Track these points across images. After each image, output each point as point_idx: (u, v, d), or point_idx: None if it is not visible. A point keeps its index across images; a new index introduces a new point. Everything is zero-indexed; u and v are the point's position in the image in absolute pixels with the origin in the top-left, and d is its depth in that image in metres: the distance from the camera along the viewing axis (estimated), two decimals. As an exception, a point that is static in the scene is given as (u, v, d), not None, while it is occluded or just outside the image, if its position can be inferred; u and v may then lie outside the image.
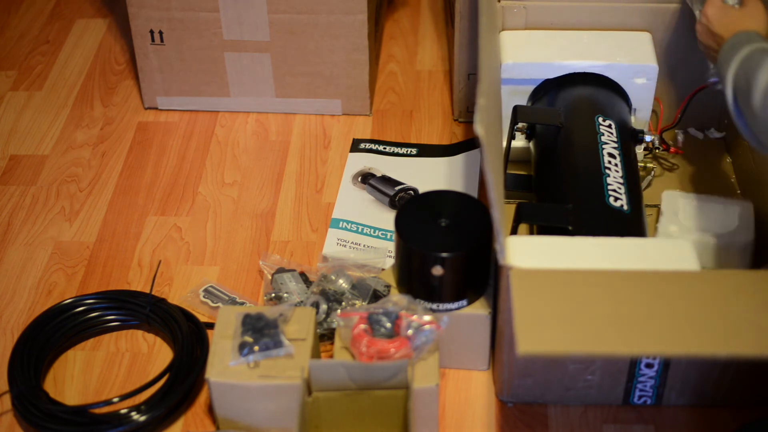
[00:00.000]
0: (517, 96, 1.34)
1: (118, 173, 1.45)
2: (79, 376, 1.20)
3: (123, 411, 1.12)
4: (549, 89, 1.31)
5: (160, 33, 1.47)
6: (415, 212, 1.13)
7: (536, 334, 0.92)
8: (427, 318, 1.07)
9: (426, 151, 1.46)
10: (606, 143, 1.21)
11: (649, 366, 1.09)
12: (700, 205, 1.27)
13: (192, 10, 1.44)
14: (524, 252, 1.04)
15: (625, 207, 1.16)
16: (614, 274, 0.99)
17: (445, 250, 1.08)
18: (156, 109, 1.55)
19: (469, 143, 1.47)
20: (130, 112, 1.55)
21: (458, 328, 1.13)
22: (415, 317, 1.07)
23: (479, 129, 0.98)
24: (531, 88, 1.33)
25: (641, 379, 1.11)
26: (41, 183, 1.44)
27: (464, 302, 1.12)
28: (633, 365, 1.09)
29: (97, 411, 1.12)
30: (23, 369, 1.15)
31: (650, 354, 1.03)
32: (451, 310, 1.12)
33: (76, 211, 1.40)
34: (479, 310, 1.13)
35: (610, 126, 1.24)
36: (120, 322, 1.23)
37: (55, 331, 1.20)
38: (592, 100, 1.29)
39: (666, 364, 1.09)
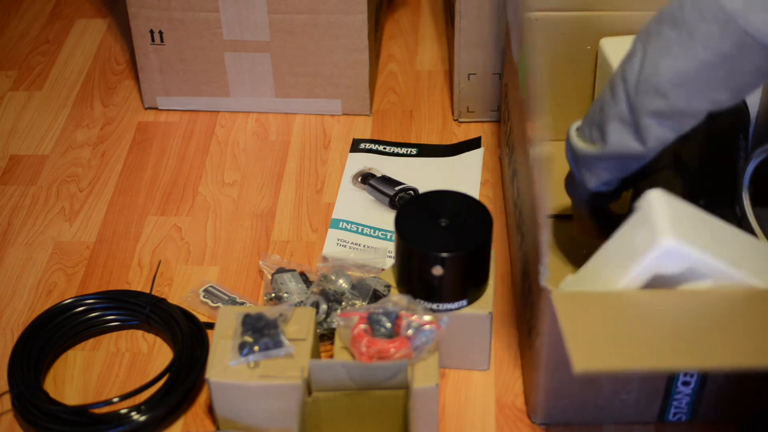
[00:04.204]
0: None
1: (118, 173, 1.45)
2: (79, 376, 1.20)
3: (123, 411, 1.12)
4: None
5: (160, 33, 1.47)
6: (415, 212, 1.13)
7: (589, 353, 0.91)
8: (427, 318, 1.07)
9: (426, 151, 1.46)
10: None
11: (685, 384, 1.08)
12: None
13: (192, 10, 1.44)
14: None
15: None
16: (656, 294, 0.98)
17: (445, 250, 1.08)
18: (156, 109, 1.55)
19: (469, 143, 1.47)
20: (130, 112, 1.55)
21: (458, 328, 1.13)
22: (415, 317, 1.07)
23: (541, 153, 0.98)
24: None
25: (677, 396, 1.09)
26: (41, 183, 1.44)
27: (464, 302, 1.12)
28: (669, 383, 1.08)
29: (97, 411, 1.12)
30: (23, 369, 1.15)
31: (706, 368, 1.01)
32: (451, 310, 1.12)
33: (76, 211, 1.40)
34: (479, 310, 1.13)
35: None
36: (120, 322, 1.23)
37: (55, 331, 1.20)
38: None
39: (703, 381, 1.07)
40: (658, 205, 0.99)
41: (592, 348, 0.92)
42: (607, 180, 1.07)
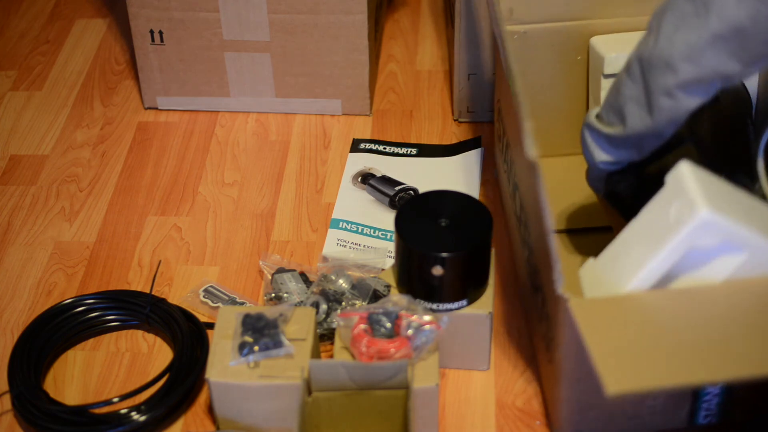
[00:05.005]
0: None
1: (118, 173, 1.46)
2: (79, 376, 1.20)
3: (123, 411, 1.12)
4: None
5: (160, 33, 1.47)
6: (415, 212, 1.13)
7: (621, 372, 0.87)
8: (427, 318, 1.07)
9: (426, 151, 1.46)
10: None
11: (713, 384, 1.05)
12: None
13: (192, 10, 1.44)
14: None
15: None
16: (681, 293, 0.96)
17: (445, 250, 1.08)
18: (156, 109, 1.55)
19: (469, 143, 1.47)
20: (130, 112, 1.55)
21: (458, 328, 1.13)
22: (415, 317, 1.07)
23: (532, 153, 0.97)
24: None
25: (706, 398, 1.07)
26: (41, 183, 1.44)
27: (464, 302, 1.12)
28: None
29: (97, 411, 1.12)
30: (23, 369, 1.15)
31: (739, 379, 0.96)
32: (451, 310, 1.12)
33: (76, 211, 1.40)
34: (479, 310, 1.13)
35: None
36: (120, 322, 1.23)
37: (55, 331, 1.20)
38: None
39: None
40: (691, 177, 0.97)
41: (622, 365, 0.88)
42: (618, 160, 1.07)
